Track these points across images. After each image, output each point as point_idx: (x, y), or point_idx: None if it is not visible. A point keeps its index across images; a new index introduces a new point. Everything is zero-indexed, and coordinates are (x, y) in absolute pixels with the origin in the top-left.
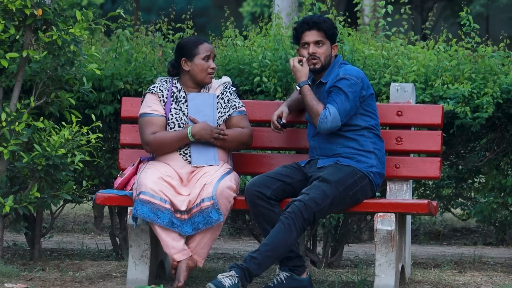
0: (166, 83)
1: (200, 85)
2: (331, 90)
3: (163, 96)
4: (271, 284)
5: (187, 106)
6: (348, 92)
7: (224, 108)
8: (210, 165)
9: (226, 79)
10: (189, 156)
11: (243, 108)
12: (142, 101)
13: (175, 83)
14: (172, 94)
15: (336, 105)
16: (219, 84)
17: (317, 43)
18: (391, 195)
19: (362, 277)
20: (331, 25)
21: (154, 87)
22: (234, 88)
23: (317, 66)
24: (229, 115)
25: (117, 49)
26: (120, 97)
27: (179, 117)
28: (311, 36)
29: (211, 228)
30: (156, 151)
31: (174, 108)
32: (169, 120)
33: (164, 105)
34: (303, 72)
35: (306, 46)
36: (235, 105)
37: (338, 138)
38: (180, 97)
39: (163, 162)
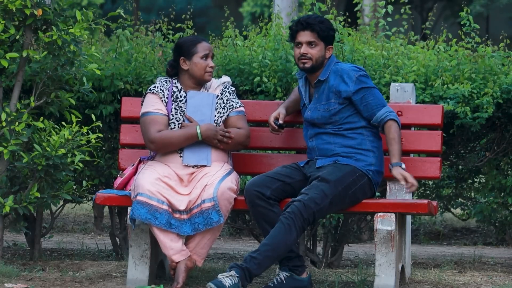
0: (166, 83)
1: (200, 84)
2: (364, 94)
3: (164, 96)
4: (271, 284)
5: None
6: (374, 85)
7: (223, 109)
8: (201, 165)
9: (226, 78)
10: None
11: (242, 109)
12: (142, 102)
13: (175, 83)
14: (173, 93)
15: (383, 102)
16: (219, 84)
17: (309, 43)
18: (391, 195)
19: (362, 277)
20: (326, 27)
21: (154, 87)
22: (233, 88)
23: (307, 65)
24: (227, 115)
25: (117, 49)
26: (120, 97)
27: (178, 117)
28: (304, 36)
29: (211, 228)
30: (161, 149)
31: (175, 108)
32: (169, 120)
33: (166, 105)
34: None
35: (299, 45)
36: (232, 105)
37: (337, 137)
38: (180, 97)
39: (163, 163)
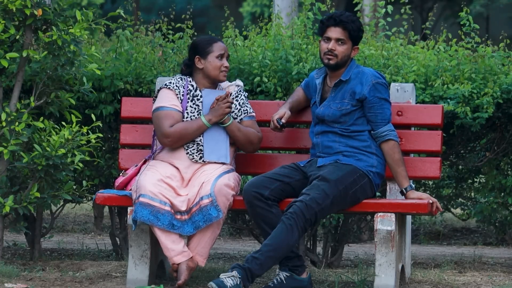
0: (182, 80)
1: (214, 83)
2: (374, 104)
3: (179, 93)
4: (271, 284)
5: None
6: (388, 97)
7: (238, 111)
8: (221, 163)
9: (239, 82)
10: (196, 154)
11: (253, 114)
12: (155, 97)
13: (190, 81)
14: (189, 91)
15: (389, 118)
16: (232, 85)
17: (338, 40)
18: (391, 195)
19: (362, 277)
20: (357, 27)
21: (170, 83)
22: (246, 93)
23: (332, 62)
24: (241, 119)
25: (117, 49)
26: (120, 97)
27: (193, 115)
28: (334, 32)
29: (211, 226)
30: (176, 143)
31: (190, 106)
32: (184, 118)
33: (181, 102)
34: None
35: (327, 40)
36: (247, 110)
37: (342, 138)
38: (197, 95)
39: (167, 161)
